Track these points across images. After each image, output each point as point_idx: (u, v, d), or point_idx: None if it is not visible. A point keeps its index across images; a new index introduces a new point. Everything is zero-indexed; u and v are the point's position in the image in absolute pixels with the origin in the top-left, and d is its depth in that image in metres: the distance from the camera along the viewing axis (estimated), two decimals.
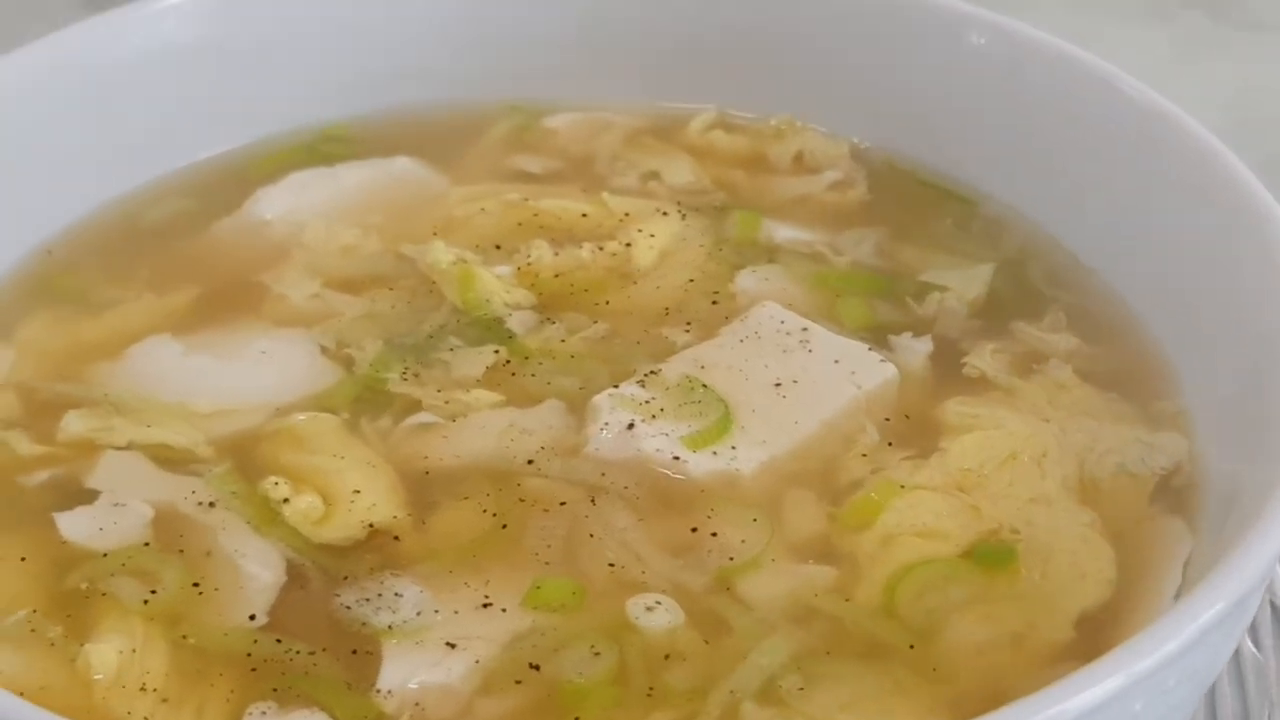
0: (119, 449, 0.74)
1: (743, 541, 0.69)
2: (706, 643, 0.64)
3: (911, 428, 0.76)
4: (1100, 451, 0.74)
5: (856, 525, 0.70)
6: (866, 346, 0.79)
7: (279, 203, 0.92)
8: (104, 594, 0.66)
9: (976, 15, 0.92)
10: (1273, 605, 0.86)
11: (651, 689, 0.63)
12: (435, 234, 0.89)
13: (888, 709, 0.62)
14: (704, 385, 0.76)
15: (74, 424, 0.75)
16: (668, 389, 0.76)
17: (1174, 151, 0.81)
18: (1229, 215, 0.77)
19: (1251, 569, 0.58)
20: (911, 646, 0.64)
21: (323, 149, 0.97)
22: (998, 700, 0.58)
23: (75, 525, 0.70)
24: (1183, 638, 0.55)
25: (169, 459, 0.74)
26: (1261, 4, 1.50)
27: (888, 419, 0.76)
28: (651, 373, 0.77)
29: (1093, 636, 0.65)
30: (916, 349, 0.80)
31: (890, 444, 0.75)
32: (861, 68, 0.96)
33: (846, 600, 0.67)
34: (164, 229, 0.91)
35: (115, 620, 0.65)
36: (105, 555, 0.68)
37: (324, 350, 0.81)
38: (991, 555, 0.68)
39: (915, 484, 0.72)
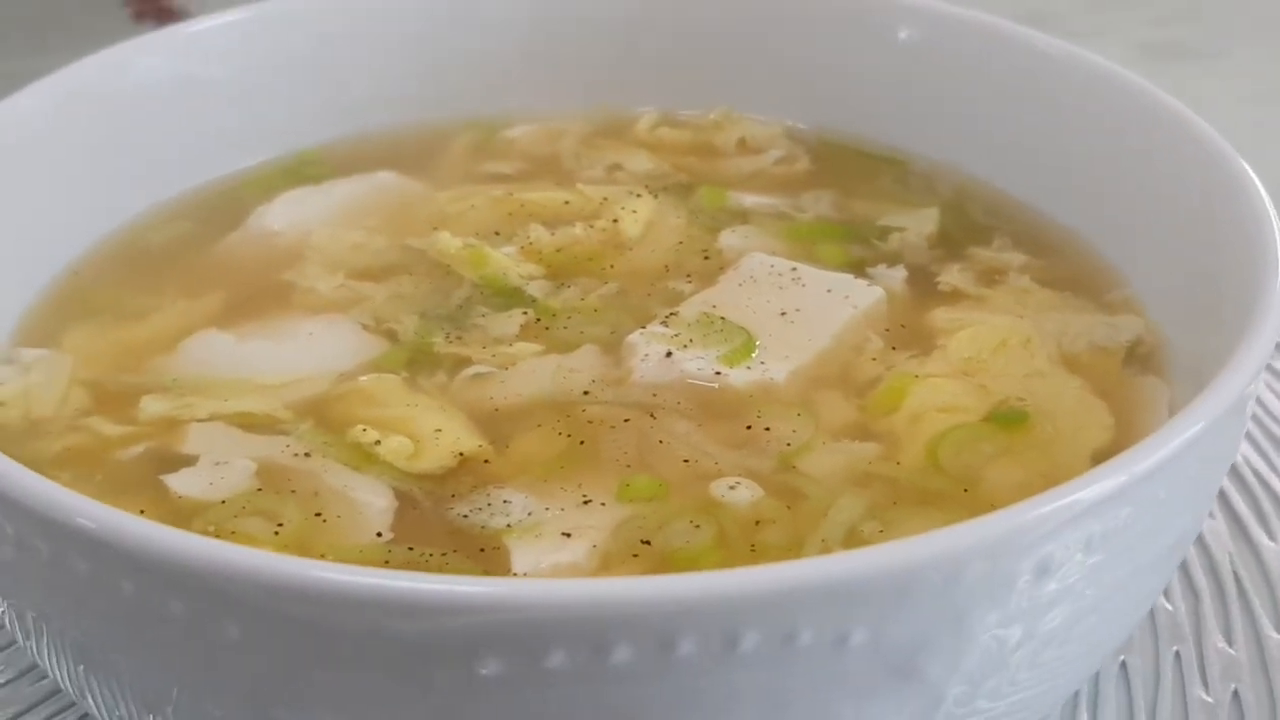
0: (202, 421, 0.79)
1: (794, 431, 0.78)
2: (789, 508, 0.73)
3: (908, 335, 0.86)
4: (1072, 335, 0.85)
5: (885, 410, 0.80)
6: (852, 276, 0.90)
7: (281, 216, 0.98)
8: (233, 532, 0.71)
9: None
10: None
11: (753, 546, 0.71)
12: (434, 229, 0.96)
13: None
14: (722, 318, 0.86)
15: (152, 405, 0.80)
16: (689, 325, 0.85)
17: (1074, 85, 0.94)
18: (1140, 132, 0.90)
19: (1225, 395, 0.67)
20: (965, 490, 0.74)
21: (305, 171, 1.04)
22: None
23: (185, 483, 0.75)
24: (1172, 445, 0.62)
25: (252, 425, 0.79)
26: (1071, 14, 1.69)
27: (887, 330, 0.86)
28: (671, 314, 0.86)
29: None
30: (893, 275, 0.91)
31: (894, 348, 0.85)
32: (785, 59, 1.08)
33: (897, 464, 0.76)
34: (175, 247, 0.96)
35: None
36: (224, 502, 0.73)
37: (365, 328, 0.87)
38: (1008, 417, 0.78)
39: (926, 374, 0.82)
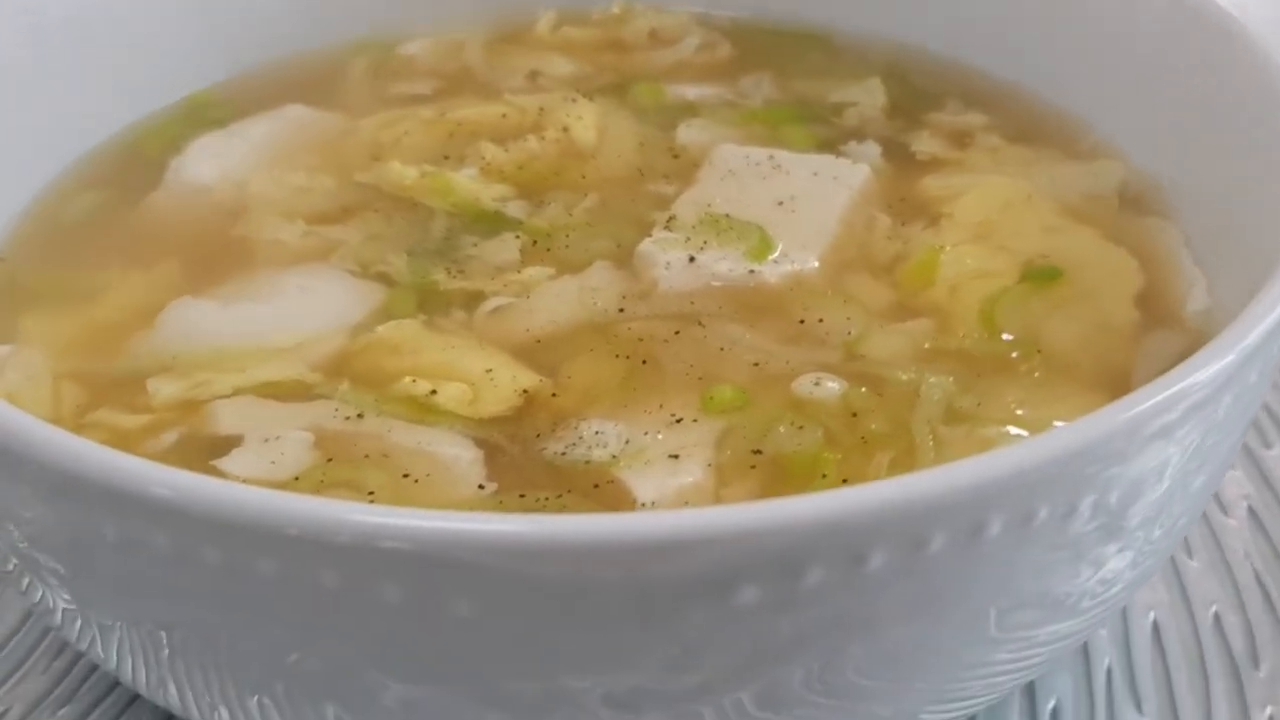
0: (226, 398, 0.72)
1: (847, 319, 0.77)
2: (879, 395, 0.72)
3: (909, 208, 0.86)
4: (1062, 186, 0.86)
5: (920, 286, 0.79)
6: (832, 156, 0.89)
7: (203, 167, 0.90)
8: None
9: None
10: None
11: (864, 438, 0.69)
12: (375, 160, 0.90)
13: (1051, 397, 0.71)
14: (726, 215, 0.83)
15: (165, 389, 0.73)
16: (695, 227, 0.82)
17: None
18: None
19: None
20: (1039, 351, 0.74)
21: (204, 114, 0.96)
22: (1122, 372, 0.72)
23: (242, 465, 0.68)
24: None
25: (283, 394, 0.73)
26: None
27: (889, 205, 0.86)
28: (671, 218, 0.83)
29: (1152, 309, 0.77)
30: (868, 152, 0.90)
31: (903, 223, 0.84)
32: None
33: (962, 335, 0.76)
34: (96, 217, 0.87)
35: None
36: (297, 479, 0.67)
37: (353, 274, 0.81)
38: (1043, 275, 0.79)
39: (946, 243, 0.82)
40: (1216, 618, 0.81)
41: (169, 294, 0.80)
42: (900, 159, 0.90)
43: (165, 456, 0.69)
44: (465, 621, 0.51)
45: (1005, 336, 0.75)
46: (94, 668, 0.78)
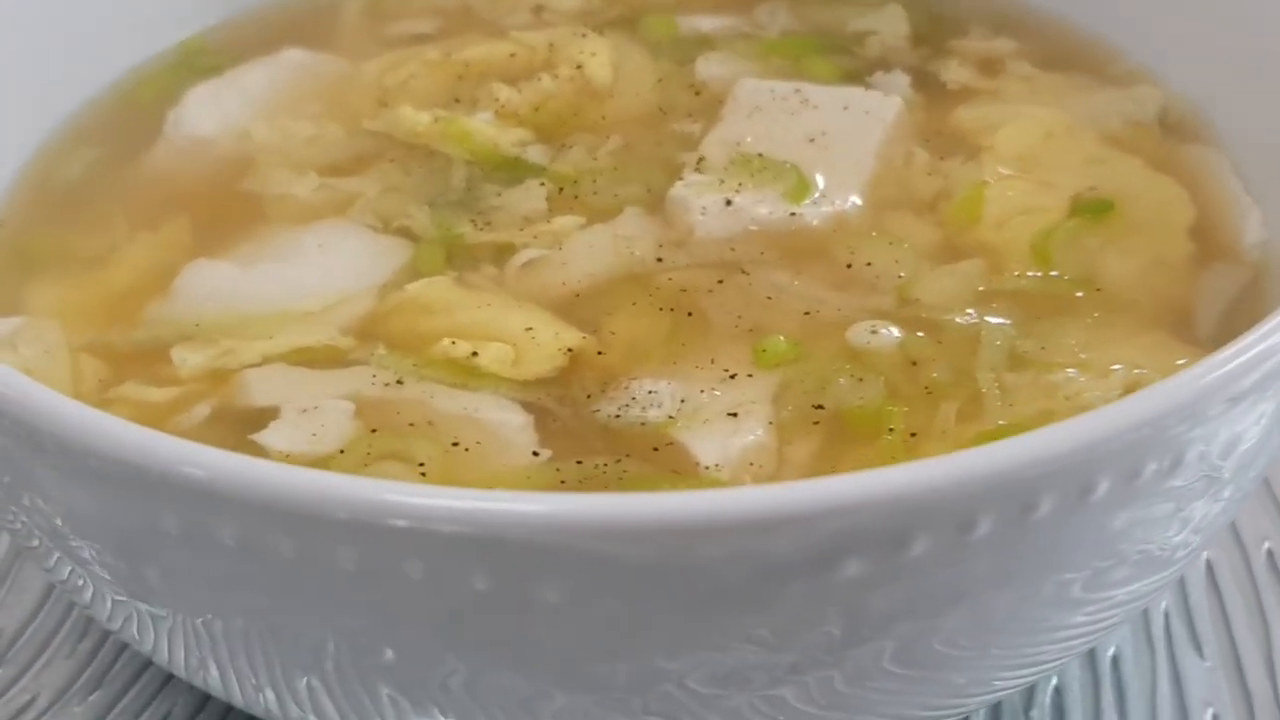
0: (256, 367, 0.69)
1: (896, 261, 0.74)
2: (939, 343, 0.69)
3: (946, 141, 0.82)
4: (1101, 115, 0.84)
5: (966, 223, 0.76)
6: (861, 89, 0.85)
7: (202, 118, 0.86)
8: None
9: None
10: None
11: (927, 389, 0.67)
12: (383, 105, 0.86)
13: (1112, 338, 0.69)
14: (759, 154, 0.80)
15: (191, 358, 0.69)
16: (727, 168, 0.79)
17: None
18: None
19: None
20: (1098, 290, 0.72)
21: (197, 62, 0.91)
22: (1182, 308, 0.69)
23: (282, 439, 0.65)
24: None
25: (313, 360, 0.69)
26: None
27: (927, 140, 0.83)
28: (701, 159, 0.80)
29: (1206, 242, 0.75)
30: (896, 83, 0.87)
31: (941, 158, 0.81)
32: None
33: (1016, 275, 0.73)
34: (95, 174, 0.83)
35: None
36: (342, 452, 0.64)
37: (374, 230, 0.77)
38: (1094, 208, 0.76)
39: (988, 178, 0.79)
40: (1270, 555, 0.79)
41: (181, 256, 0.76)
42: (930, 89, 0.87)
43: (200, 432, 0.66)
44: (551, 606, 0.48)
45: (1054, 274, 0.73)
46: (124, 648, 0.75)
